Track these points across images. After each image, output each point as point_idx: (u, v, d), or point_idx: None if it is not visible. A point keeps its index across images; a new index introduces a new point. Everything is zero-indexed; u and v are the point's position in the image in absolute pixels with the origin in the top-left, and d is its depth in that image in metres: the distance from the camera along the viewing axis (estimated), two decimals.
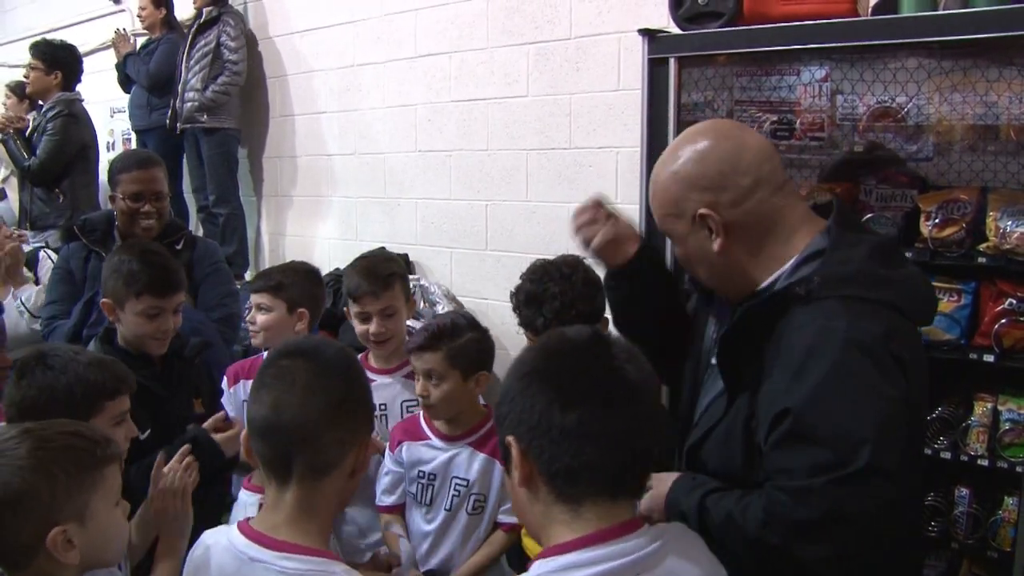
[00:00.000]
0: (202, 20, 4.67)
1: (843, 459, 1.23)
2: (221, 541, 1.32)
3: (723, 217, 1.44)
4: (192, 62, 4.66)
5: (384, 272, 2.43)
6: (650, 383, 1.18)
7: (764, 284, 1.47)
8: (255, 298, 2.49)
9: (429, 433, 2.24)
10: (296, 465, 1.28)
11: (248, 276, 4.88)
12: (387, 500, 2.28)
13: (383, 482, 2.29)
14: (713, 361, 1.57)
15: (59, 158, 4.36)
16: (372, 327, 2.36)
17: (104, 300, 2.27)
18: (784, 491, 1.28)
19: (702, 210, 1.45)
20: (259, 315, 2.46)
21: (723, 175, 1.45)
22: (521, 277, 2.24)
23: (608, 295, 1.83)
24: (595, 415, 1.10)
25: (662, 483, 1.50)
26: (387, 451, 2.28)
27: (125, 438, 1.75)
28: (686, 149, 1.49)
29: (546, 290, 2.15)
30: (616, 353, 1.16)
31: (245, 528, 1.30)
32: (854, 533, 1.25)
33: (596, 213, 1.71)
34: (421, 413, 2.29)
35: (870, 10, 2.24)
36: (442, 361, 2.14)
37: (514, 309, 2.23)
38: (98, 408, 1.70)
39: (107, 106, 5.98)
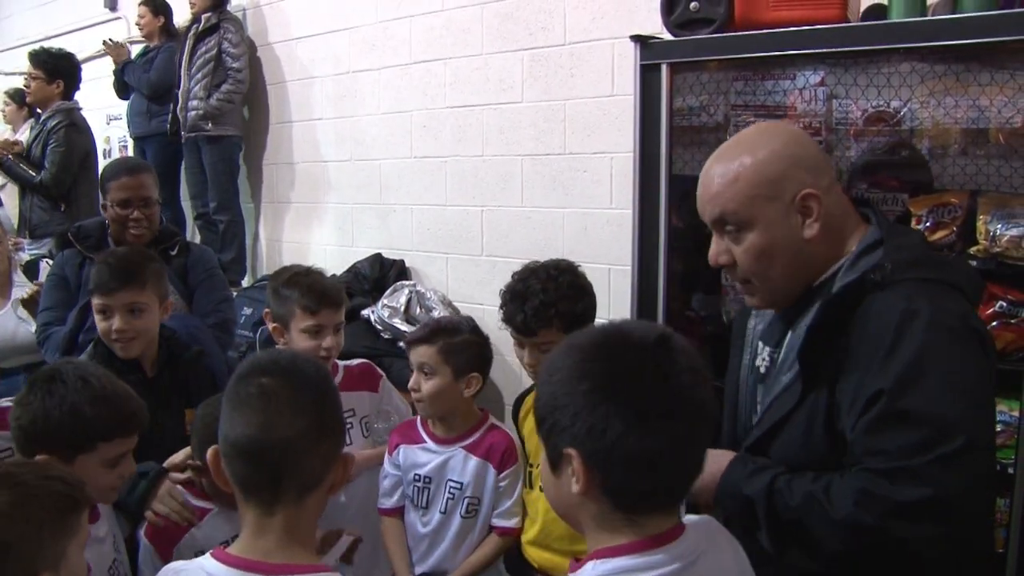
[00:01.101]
0: (201, 27, 4.66)
1: (941, 439, 1.23)
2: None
3: (824, 200, 1.42)
4: (194, 70, 4.65)
5: (338, 288, 2.46)
6: (712, 394, 1.14)
7: (821, 279, 1.47)
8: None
9: (424, 436, 2.28)
10: (284, 486, 1.25)
11: (245, 282, 4.89)
12: (387, 503, 2.32)
13: (383, 485, 2.33)
14: (758, 363, 1.59)
15: (68, 168, 4.38)
16: (326, 341, 2.34)
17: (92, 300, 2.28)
18: (880, 472, 1.27)
19: (808, 190, 1.41)
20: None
21: (820, 158, 1.45)
22: (512, 276, 2.26)
23: None
24: (673, 443, 1.07)
25: (713, 463, 1.45)
26: (386, 455, 2.32)
27: (120, 477, 1.69)
28: (780, 132, 1.48)
29: (529, 287, 2.15)
30: (682, 363, 1.10)
31: (226, 557, 1.25)
32: (956, 511, 1.25)
33: None
34: (418, 417, 2.32)
35: (860, 15, 2.26)
36: (435, 355, 2.18)
37: (500, 307, 2.24)
38: (89, 448, 1.62)
39: (103, 113, 6.00)
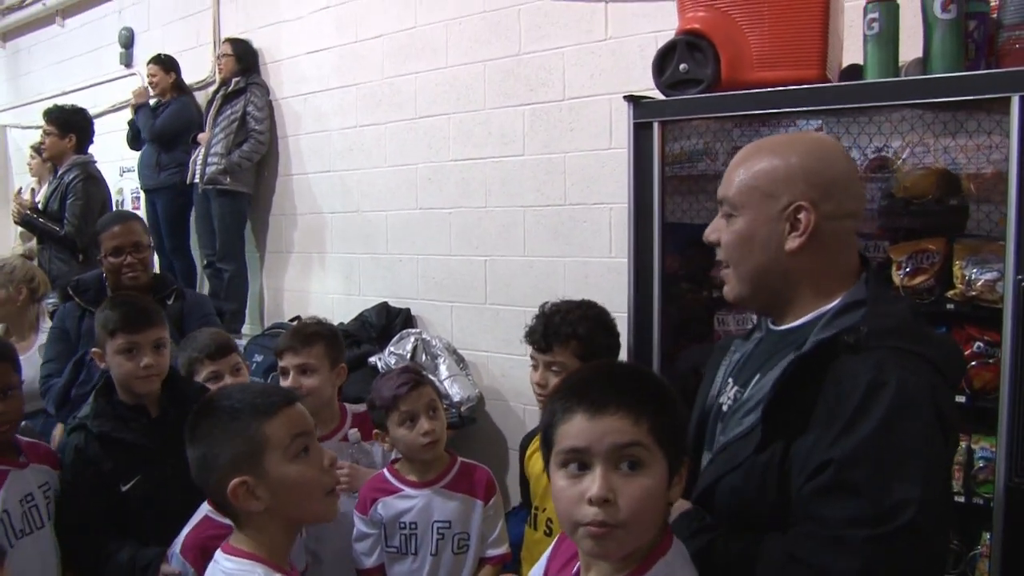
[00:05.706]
0: (230, 89, 4.90)
1: (884, 516, 1.21)
2: None
3: (816, 220, 1.42)
4: (218, 129, 4.87)
5: (308, 331, 2.53)
6: None
7: (799, 322, 1.47)
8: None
9: (400, 484, 2.26)
10: None
11: (247, 331, 5.00)
12: (367, 562, 2.25)
13: (361, 547, 2.27)
14: (722, 399, 1.59)
15: (90, 219, 4.50)
16: (288, 382, 2.42)
17: (95, 350, 2.32)
18: (814, 539, 1.25)
19: (802, 202, 1.41)
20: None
21: (836, 185, 1.44)
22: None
23: None
24: None
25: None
26: (357, 516, 2.28)
27: None
28: (814, 145, 1.50)
29: (558, 308, 2.28)
30: None
31: None
32: None
33: None
34: (385, 469, 2.32)
35: (838, 75, 2.40)
36: (432, 393, 2.27)
37: (530, 338, 2.29)
38: None
39: (117, 166, 6.16)
